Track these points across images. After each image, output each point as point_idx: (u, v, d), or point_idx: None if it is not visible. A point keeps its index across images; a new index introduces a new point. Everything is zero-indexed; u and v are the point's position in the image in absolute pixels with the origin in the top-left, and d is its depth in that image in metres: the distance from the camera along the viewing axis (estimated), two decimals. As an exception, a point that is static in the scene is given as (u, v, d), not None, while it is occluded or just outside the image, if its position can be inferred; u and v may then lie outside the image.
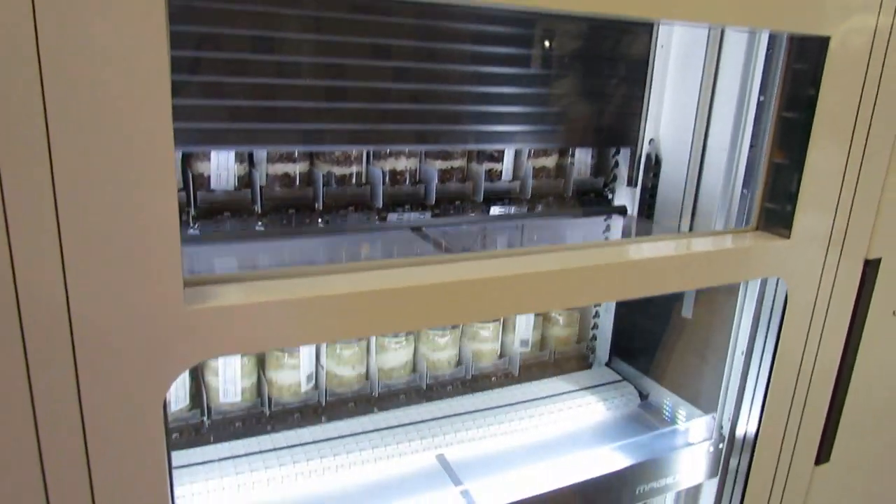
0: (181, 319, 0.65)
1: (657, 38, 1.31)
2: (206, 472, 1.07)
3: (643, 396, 1.44)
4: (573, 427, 1.33)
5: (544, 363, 1.47)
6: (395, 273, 0.81)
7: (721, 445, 1.25)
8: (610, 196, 1.44)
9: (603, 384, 1.46)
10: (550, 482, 1.11)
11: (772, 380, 1.13)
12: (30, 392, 0.61)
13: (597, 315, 1.53)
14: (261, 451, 1.14)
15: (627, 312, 1.49)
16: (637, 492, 1.20)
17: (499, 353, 1.41)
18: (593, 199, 1.41)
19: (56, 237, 0.59)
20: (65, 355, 0.61)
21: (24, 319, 0.59)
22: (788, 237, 1.04)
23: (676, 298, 1.35)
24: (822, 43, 0.97)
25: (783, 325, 1.09)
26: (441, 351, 1.33)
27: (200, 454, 1.11)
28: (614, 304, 1.49)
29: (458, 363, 1.38)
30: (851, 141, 1.05)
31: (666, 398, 1.40)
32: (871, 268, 1.15)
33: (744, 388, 1.20)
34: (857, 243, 1.12)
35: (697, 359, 1.32)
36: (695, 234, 1.04)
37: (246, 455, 1.12)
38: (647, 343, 1.45)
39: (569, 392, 1.41)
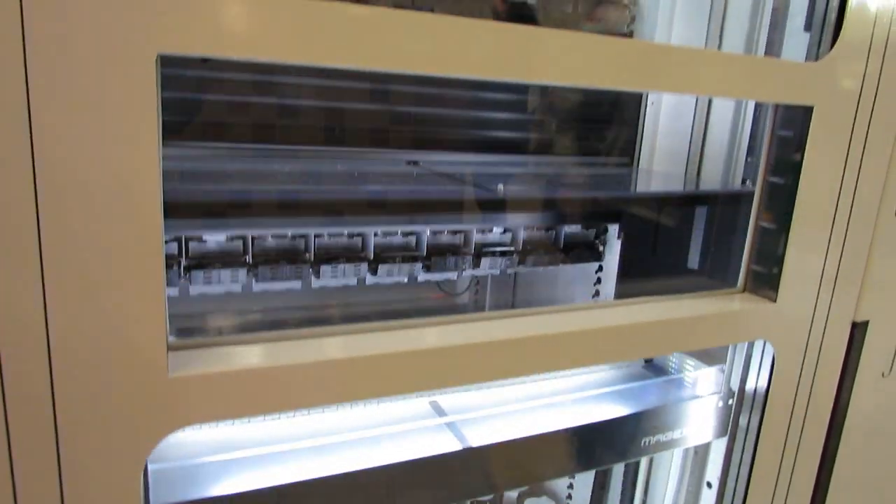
0: (164, 388, 0.65)
1: (647, 96, 1.34)
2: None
3: (648, 360, 1.38)
4: (574, 383, 1.26)
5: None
6: (387, 337, 0.81)
7: (731, 401, 1.19)
8: (601, 248, 1.45)
9: None
10: (547, 424, 1.05)
11: (759, 442, 1.12)
12: (9, 458, 0.61)
13: (598, 281, 1.48)
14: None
15: (630, 273, 1.42)
16: (643, 444, 1.14)
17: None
18: (584, 252, 1.42)
19: (41, 300, 0.59)
20: (46, 430, 0.61)
21: (5, 384, 0.59)
22: (775, 300, 1.05)
23: (681, 250, 1.32)
24: (806, 111, 0.99)
25: (770, 388, 1.09)
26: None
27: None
28: (616, 269, 1.43)
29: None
30: (837, 204, 1.06)
31: (672, 356, 1.34)
32: (858, 330, 1.16)
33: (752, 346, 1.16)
34: (844, 306, 1.13)
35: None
36: (683, 296, 1.04)
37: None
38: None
39: None
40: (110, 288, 0.61)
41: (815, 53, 1.00)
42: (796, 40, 1.06)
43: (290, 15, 0.62)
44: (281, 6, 0.61)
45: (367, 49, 0.65)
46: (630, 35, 1.37)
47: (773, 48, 1.09)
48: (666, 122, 1.36)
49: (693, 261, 1.33)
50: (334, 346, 0.77)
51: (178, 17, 0.58)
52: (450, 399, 1.15)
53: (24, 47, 0.55)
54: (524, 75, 0.75)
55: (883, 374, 1.25)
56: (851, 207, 1.07)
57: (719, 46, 1.27)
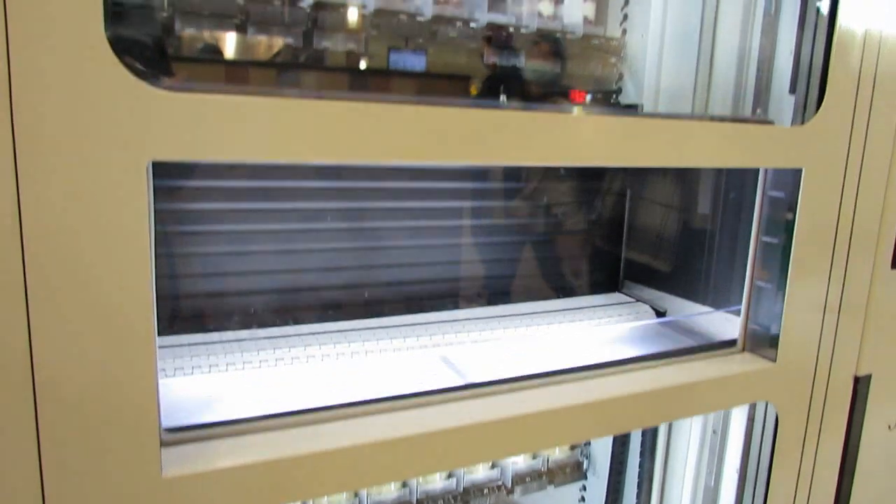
0: (159, 490, 0.64)
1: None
2: (190, 352, 0.98)
3: (660, 314, 1.33)
4: (586, 337, 1.21)
5: (538, 472, 1.44)
6: (392, 420, 0.80)
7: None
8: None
9: (616, 304, 1.34)
10: (553, 365, 0.98)
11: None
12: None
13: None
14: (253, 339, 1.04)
15: (638, 229, 1.40)
16: None
17: (490, 462, 1.38)
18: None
19: (31, 397, 0.59)
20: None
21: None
22: (775, 360, 1.04)
23: (690, 200, 1.30)
24: (796, 172, 0.99)
25: (775, 449, 1.07)
26: (431, 465, 1.30)
27: (188, 337, 1.02)
28: (625, 229, 1.40)
29: (450, 475, 1.35)
30: (832, 261, 1.06)
31: (686, 310, 1.29)
32: (861, 384, 1.14)
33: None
34: (845, 361, 1.12)
35: (719, 260, 1.23)
36: (681, 358, 1.03)
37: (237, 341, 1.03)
38: (662, 257, 1.36)
39: (580, 308, 1.29)
40: (100, 384, 0.61)
41: (801, 115, 1.01)
42: (782, 101, 1.08)
43: (277, 116, 0.63)
44: (268, 108, 0.62)
45: (352, 145, 0.66)
46: (619, 91, 1.39)
47: (758, 109, 1.11)
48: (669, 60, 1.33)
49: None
50: (337, 432, 0.76)
51: (169, 125, 0.59)
52: (456, 351, 1.10)
53: (14, 154, 0.55)
54: (515, 158, 0.75)
55: (889, 427, 1.23)
56: (847, 263, 1.07)
57: (707, 100, 1.29)
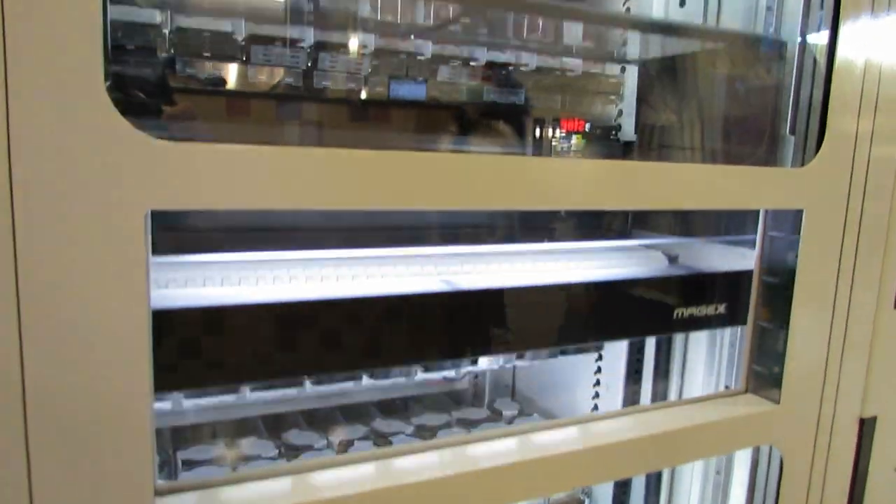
0: (149, 546, 0.62)
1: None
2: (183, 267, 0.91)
3: (672, 259, 1.26)
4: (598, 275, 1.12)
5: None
6: (387, 466, 0.78)
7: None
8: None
9: (625, 247, 1.27)
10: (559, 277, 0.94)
11: (773, 551, 1.08)
12: None
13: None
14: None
15: None
16: (676, 316, 1.03)
17: None
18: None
19: (23, 444, 0.58)
20: None
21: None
22: (778, 401, 1.03)
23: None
24: (797, 212, 0.99)
25: (780, 493, 1.06)
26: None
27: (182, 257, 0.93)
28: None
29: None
30: (835, 301, 1.05)
31: (692, 245, 1.24)
32: (867, 427, 1.13)
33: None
34: (850, 403, 1.10)
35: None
36: (682, 401, 1.02)
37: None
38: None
39: (589, 250, 1.21)
40: (93, 433, 0.60)
41: (801, 156, 1.02)
42: (784, 141, 1.08)
43: (272, 165, 0.63)
44: (264, 157, 0.63)
45: (352, 191, 0.66)
46: (619, 128, 1.40)
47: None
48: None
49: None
50: (332, 480, 0.75)
51: (168, 175, 0.59)
52: (463, 278, 1.03)
53: (11, 204, 0.55)
54: (520, 203, 0.75)
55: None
56: (850, 303, 1.06)
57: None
